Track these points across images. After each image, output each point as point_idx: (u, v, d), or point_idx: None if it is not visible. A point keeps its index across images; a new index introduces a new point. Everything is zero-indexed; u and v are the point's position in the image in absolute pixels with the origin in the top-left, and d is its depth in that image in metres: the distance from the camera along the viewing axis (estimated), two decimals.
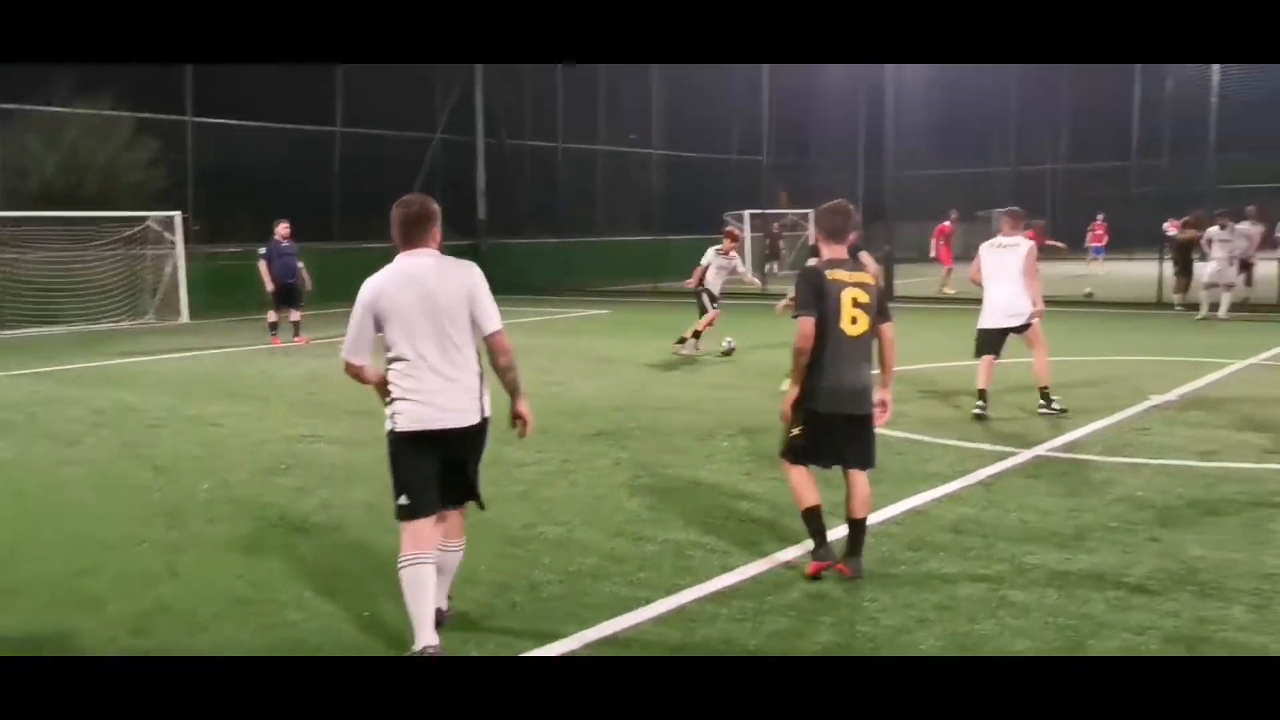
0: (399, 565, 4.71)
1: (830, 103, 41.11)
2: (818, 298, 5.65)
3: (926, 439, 9.09)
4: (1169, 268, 21.67)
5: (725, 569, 5.88)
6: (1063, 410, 9.97)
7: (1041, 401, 10.08)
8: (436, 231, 4.81)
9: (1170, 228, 21.89)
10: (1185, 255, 21.10)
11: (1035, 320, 10.01)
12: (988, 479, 7.75)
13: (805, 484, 5.82)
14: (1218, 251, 18.91)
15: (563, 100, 32.79)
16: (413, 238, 4.76)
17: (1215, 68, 38.61)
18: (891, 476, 7.68)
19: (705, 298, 15.23)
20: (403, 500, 4.71)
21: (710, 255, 15.39)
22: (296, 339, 16.80)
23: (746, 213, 34.69)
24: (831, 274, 5.69)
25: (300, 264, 16.80)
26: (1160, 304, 21.47)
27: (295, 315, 16.90)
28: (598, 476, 8.02)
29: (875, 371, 5.84)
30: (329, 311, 17.97)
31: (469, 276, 4.75)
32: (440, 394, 4.66)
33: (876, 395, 5.79)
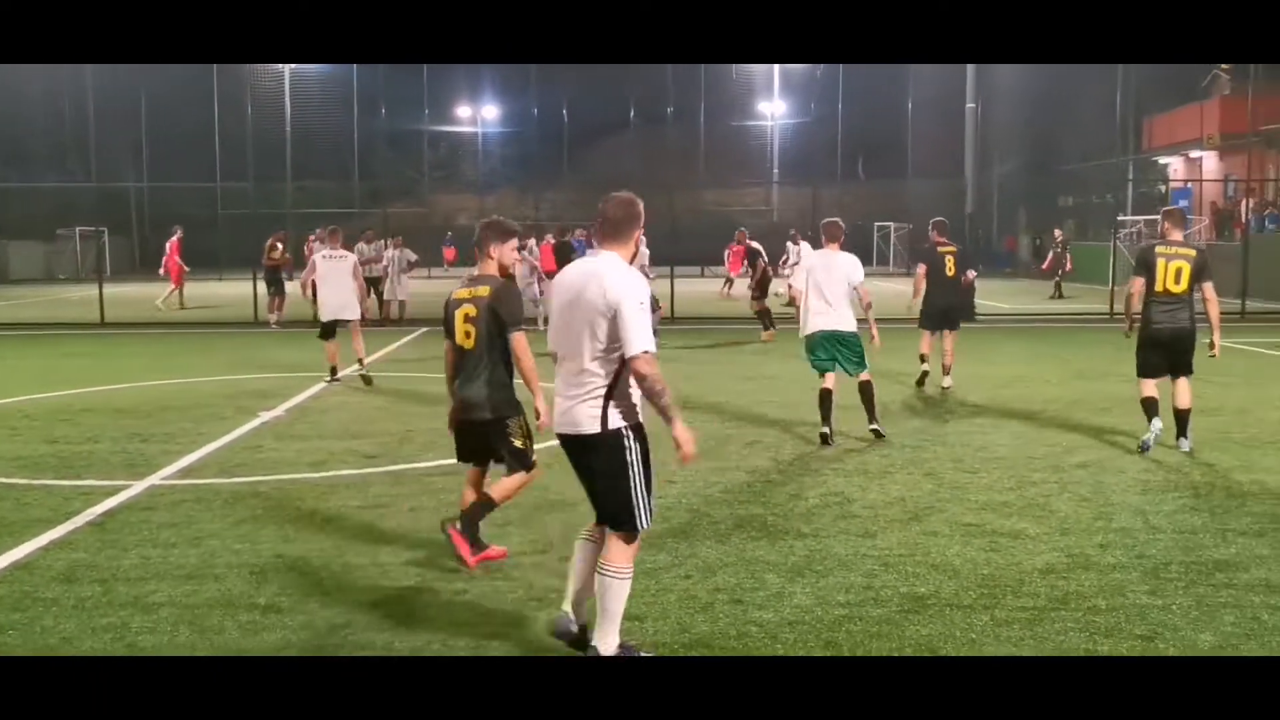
0: None
1: None
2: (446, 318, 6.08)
3: (22, 481, 8.13)
4: (261, 288, 22.58)
5: None
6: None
7: (331, 377, 13.23)
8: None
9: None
10: (275, 275, 22.20)
11: (358, 317, 13.25)
12: (99, 518, 7.16)
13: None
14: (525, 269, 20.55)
15: None
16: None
17: (356, 104, 40.94)
18: None
19: None
20: None
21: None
22: None
23: None
24: (455, 293, 6.02)
25: None
26: (257, 322, 22.22)
27: None
28: None
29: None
30: None
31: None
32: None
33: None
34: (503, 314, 5.86)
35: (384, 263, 22.27)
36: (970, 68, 24.45)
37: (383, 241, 23.06)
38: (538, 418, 5.73)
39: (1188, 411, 9.00)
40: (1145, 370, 9.08)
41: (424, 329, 21.21)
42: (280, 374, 14.25)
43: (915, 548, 6.43)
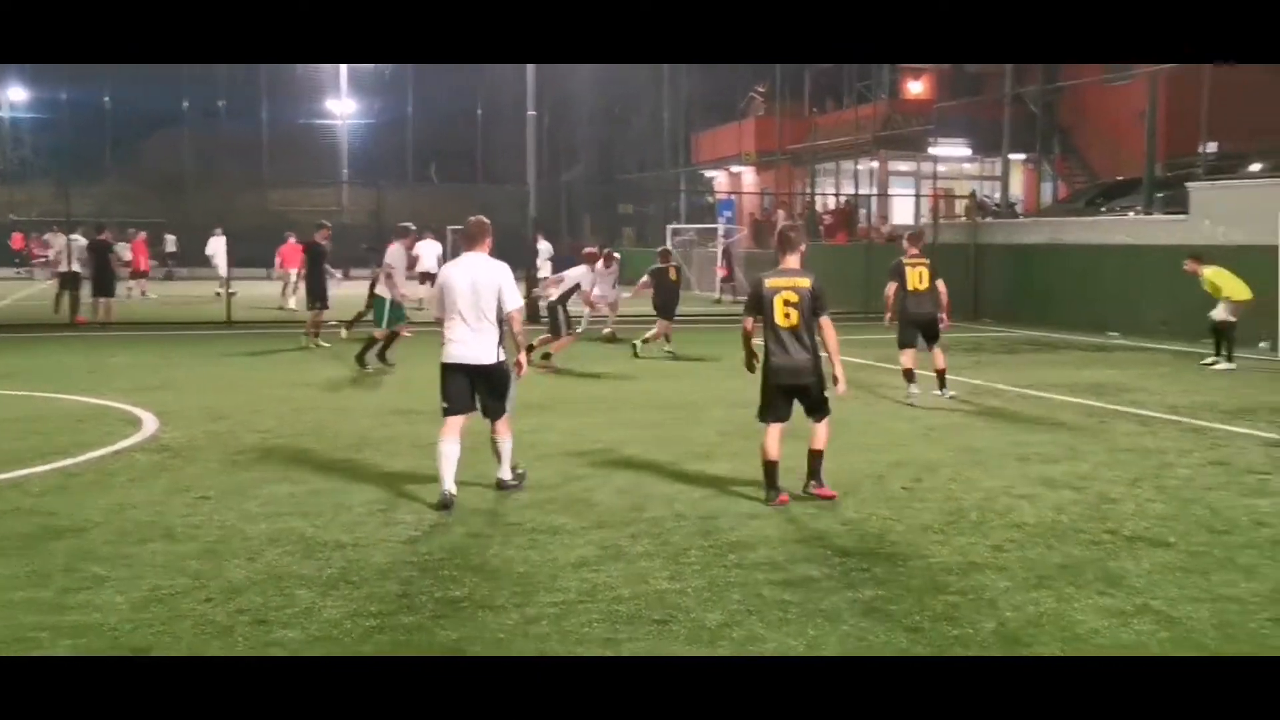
0: None
1: None
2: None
3: None
4: None
5: None
6: None
7: None
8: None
9: None
10: None
11: None
12: None
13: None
14: None
15: None
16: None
17: None
18: None
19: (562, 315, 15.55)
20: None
21: (582, 273, 16.12)
22: None
23: None
24: (771, 281, 7.59)
25: None
26: None
27: None
28: None
29: None
30: None
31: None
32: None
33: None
34: (821, 300, 7.55)
35: None
36: (530, 76, 25.02)
37: None
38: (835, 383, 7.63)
39: (944, 370, 12.48)
40: (905, 343, 12.37)
41: None
42: None
43: (456, 551, 6.40)
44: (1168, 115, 25.18)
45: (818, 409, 7.71)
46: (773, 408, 7.68)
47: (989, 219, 28.60)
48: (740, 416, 11.11)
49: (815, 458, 7.77)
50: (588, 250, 17.76)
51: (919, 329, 12.33)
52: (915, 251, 12.52)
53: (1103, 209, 25.30)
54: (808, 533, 6.83)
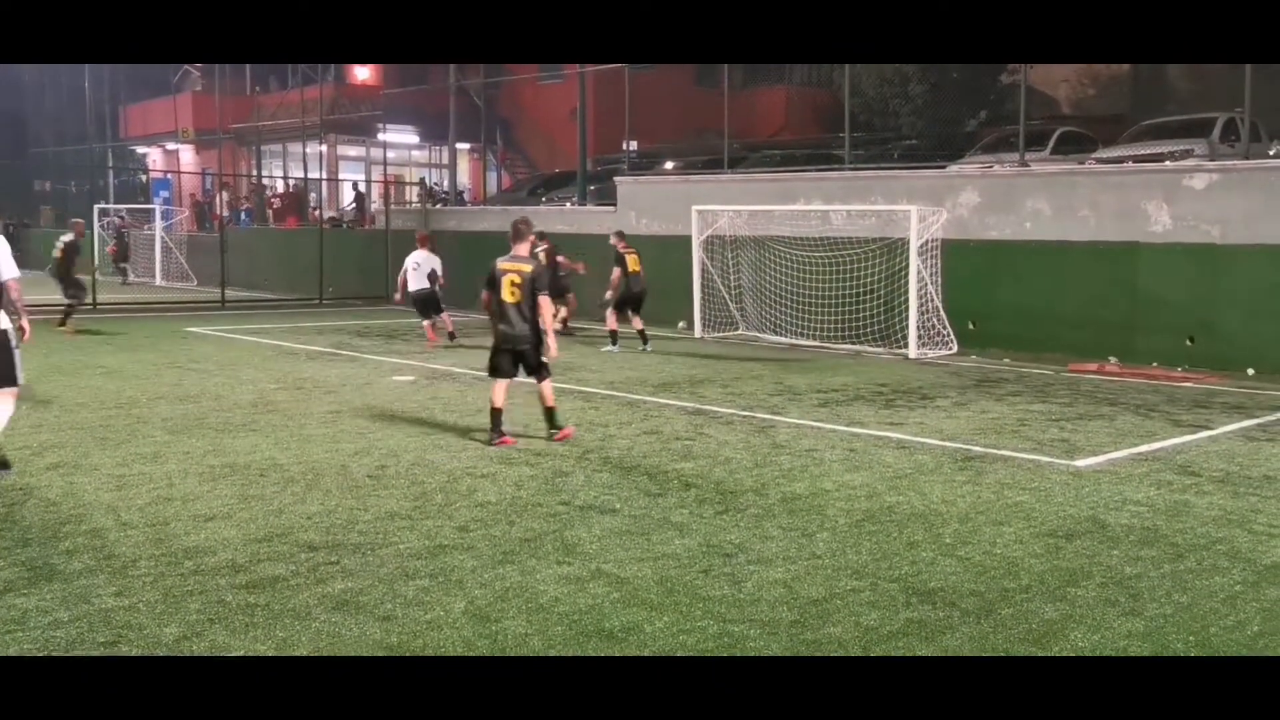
0: None
1: None
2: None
3: None
4: None
5: None
6: None
7: None
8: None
9: None
10: None
11: None
12: None
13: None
14: None
15: None
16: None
17: None
18: None
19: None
20: None
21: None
22: None
23: None
24: (502, 264, 9.19)
25: None
26: None
27: None
28: None
29: None
30: None
31: None
32: None
33: None
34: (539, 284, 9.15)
35: None
36: None
37: None
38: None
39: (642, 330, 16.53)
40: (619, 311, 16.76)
41: None
42: None
43: None
44: (597, 114, 27.33)
45: (537, 370, 9.25)
46: (498, 367, 9.27)
47: (439, 206, 29.28)
48: (190, 412, 10.42)
49: (548, 412, 9.35)
50: None
51: (633, 302, 16.50)
52: (625, 244, 16.57)
53: (544, 199, 26.88)
54: (271, 530, 6.54)
